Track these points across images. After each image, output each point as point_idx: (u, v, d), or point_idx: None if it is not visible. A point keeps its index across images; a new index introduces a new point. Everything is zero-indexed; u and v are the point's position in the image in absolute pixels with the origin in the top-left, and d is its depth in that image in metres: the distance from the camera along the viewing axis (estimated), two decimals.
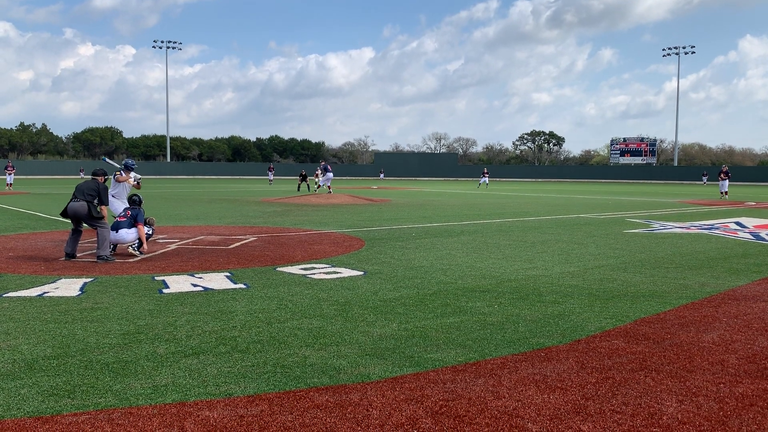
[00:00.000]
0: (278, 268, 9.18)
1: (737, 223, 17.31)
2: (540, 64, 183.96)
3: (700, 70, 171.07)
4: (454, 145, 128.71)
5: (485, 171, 56.86)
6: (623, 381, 4.45)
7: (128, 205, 11.17)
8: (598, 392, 4.22)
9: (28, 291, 7.43)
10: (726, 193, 32.81)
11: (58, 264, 9.45)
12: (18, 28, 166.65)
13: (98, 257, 9.71)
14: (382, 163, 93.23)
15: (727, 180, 33.33)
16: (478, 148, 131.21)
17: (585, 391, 4.24)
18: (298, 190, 39.07)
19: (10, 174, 39.15)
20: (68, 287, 7.67)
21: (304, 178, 41.13)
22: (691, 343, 5.43)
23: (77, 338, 5.42)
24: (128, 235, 10.35)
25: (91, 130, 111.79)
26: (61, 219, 13.35)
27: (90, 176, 10.61)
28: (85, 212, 9.98)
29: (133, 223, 10.44)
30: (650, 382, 4.42)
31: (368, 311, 6.53)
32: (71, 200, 10.07)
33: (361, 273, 8.86)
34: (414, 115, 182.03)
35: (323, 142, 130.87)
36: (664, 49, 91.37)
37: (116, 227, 10.30)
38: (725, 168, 34.72)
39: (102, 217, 10.10)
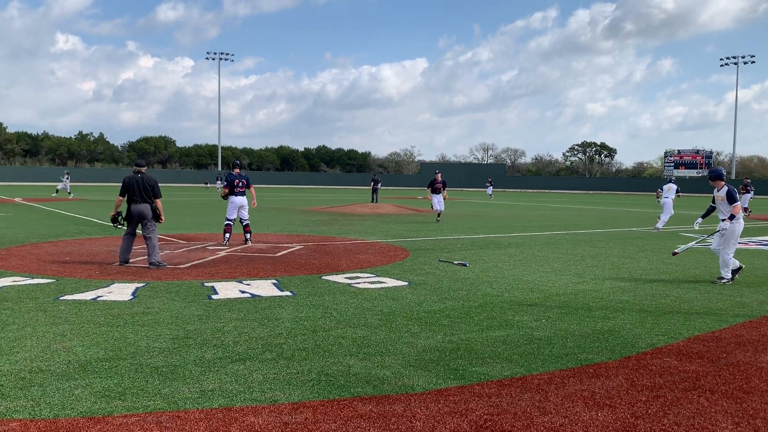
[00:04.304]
0: (324, 277, 9.24)
1: None
2: (596, 74, 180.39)
3: (766, 80, 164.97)
4: (502, 155, 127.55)
5: (489, 180, 55.44)
6: (675, 400, 4.31)
7: (236, 176, 13.39)
8: (649, 411, 4.10)
9: (83, 294, 7.67)
10: (746, 209, 28.62)
11: (111, 269, 9.73)
12: (84, 41, 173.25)
13: (150, 263, 9.94)
14: (429, 174, 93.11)
15: (749, 194, 29.55)
16: (527, 159, 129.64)
17: (635, 410, 4.12)
18: (372, 200, 34.97)
19: (65, 180, 38.99)
20: (121, 292, 7.89)
21: (376, 183, 36.50)
22: (749, 363, 5.22)
23: (128, 342, 5.57)
24: (246, 210, 13.48)
25: (146, 139, 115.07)
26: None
27: (135, 171, 10.23)
28: (150, 213, 10.20)
29: (247, 186, 13.55)
30: (704, 403, 4.27)
31: (412, 322, 6.51)
32: (132, 203, 10.17)
33: (406, 283, 8.84)
34: (464, 125, 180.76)
35: (369, 152, 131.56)
36: (721, 59, 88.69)
37: (240, 195, 13.32)
38: (747, 180, 30.95)
39: (160, 218, 10.33)
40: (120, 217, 10.45)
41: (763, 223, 23.63)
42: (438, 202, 21.83)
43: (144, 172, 10.31)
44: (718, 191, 9.61)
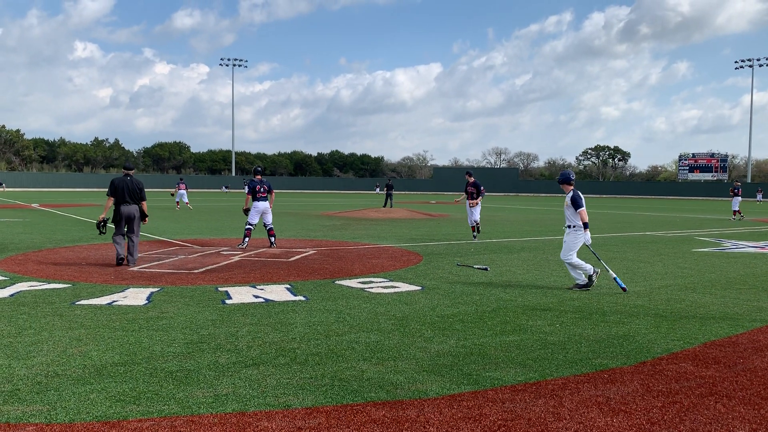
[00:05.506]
0: (337, 281, 9.25)
1: None
2: (611, 77, 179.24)
3: None
4: (515, 160, 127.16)
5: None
6: (691, 406, 4.27)
7: (258, 182, 13.79)
8: (665, 417, 4.06)
9: (98, 299, 7.73)
10: (739, 212, 28.96)
11: (127, 273, 9.80)
12: (102, 48, 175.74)
13: (129, 262, 10.49)
14: (441, 178, 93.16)
15: (739, 197, 29.38)
16: (540, 163, 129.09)
17: (650, 416, 4.08)
18: (385, 205, 34.05)
19: (181, 190, 34.70)
20: (136, 296, 7.95)
21: (390, 188, 35.40)
22: (766, 369, 5.16)
23: (143, 346, 5.60)
24: (270, 214, 13.84)
25: (161, 145, 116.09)
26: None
27: (124, 174, 10.70)
28: (137, 213, 10.62)
29: (269, 192, 13.89)
30: (721, 409, 4.23)
31: (426, 327, 6.50)
32: (122, 204, 10.52)
33: (419, 288, 8.83)
34: (477, 130, 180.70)
35: (382, 157, 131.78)
36: (736, 62, 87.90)
37: (262, 200, 13.69)
38: (737, 183, 31.10)
39: (145, 218, 10.77)
40: (106, 222, 10.89)
41: None
42: (470, 212, 16.84)
43: (132, 175, 10.74)
44: (566, 196, 9.04)
